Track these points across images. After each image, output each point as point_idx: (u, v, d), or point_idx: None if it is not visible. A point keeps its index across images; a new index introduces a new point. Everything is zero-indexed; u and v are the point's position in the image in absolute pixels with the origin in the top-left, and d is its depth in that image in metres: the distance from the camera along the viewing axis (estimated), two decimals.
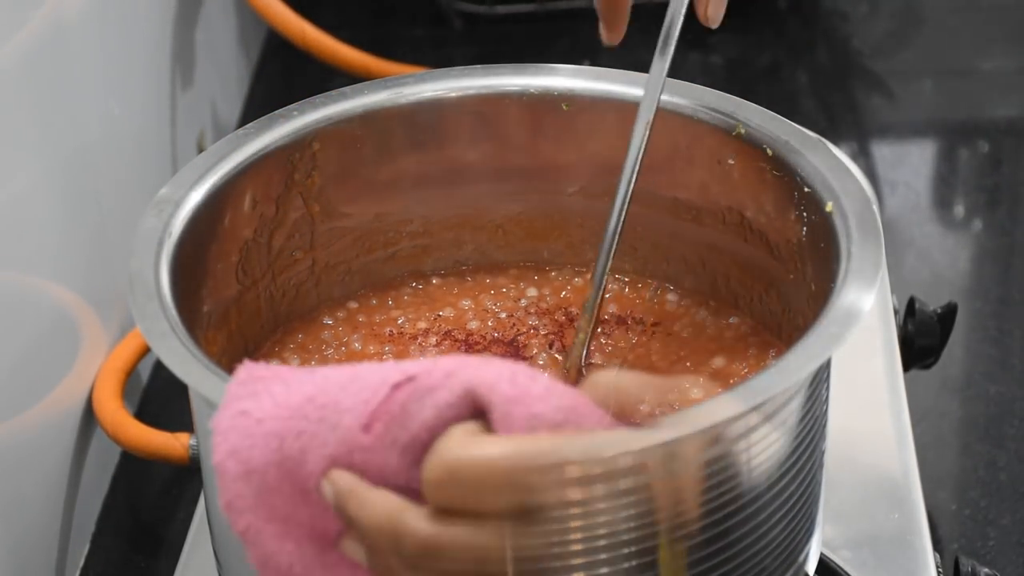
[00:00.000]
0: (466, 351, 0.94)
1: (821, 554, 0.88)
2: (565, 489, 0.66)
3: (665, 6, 0.88)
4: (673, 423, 0.71)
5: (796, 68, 1.53)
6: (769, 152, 0.90)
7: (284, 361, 0.95)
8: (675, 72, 0.96)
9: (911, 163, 1.44)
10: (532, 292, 1.00)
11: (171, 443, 1.01)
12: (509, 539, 0.66)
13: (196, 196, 0.88)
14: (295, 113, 0.94)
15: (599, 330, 0.94)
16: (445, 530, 0.67)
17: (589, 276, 1.01)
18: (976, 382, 1.19)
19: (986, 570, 0.94)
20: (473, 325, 0.96)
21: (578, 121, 0.96)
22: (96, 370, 1.06)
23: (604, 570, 0.71)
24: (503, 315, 0.97)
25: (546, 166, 0.98)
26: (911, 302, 1.09)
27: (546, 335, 0.95)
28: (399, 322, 0.97)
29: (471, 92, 0.96)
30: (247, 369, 0.73)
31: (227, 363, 0.88)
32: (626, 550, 0.72)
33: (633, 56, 1.39)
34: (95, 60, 1.08)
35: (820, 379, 0.83)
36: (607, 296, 0.99)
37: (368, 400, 0.69)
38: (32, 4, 0.98)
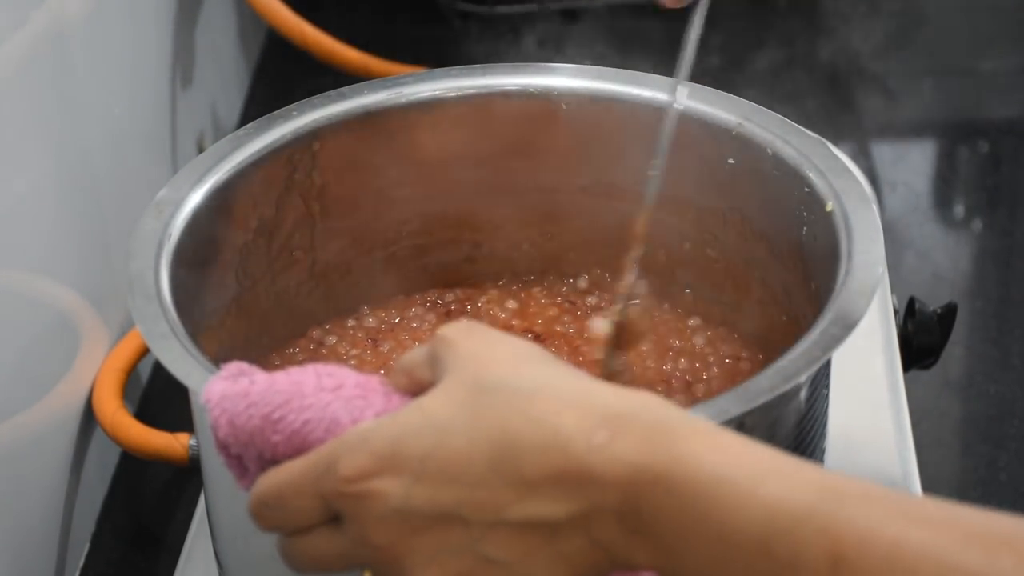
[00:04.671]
0: None
1: None
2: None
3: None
4: None
5: (796, 68, 1.53)
6: (769, 152, 0.90)
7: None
8: (675, 71, 0.96)
9: (911, 163, 1.44)
10: (545, 294, 1.00)
11: (171, 443, 1.01)
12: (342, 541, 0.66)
13: (196, 197, 0.88)
14: (295, 113, 0.94)
15: None
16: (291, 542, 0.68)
17: (594, 276, 1.01)
18: (976, 382, 1.19)
19: None
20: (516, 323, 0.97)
21: (578, 121, 0.96)
22: (96, 370, 1.06)
23: None
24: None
25: (546, 166, 0.98)
26: (911, 302, 1.09)
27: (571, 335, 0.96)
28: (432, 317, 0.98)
29: (471, 92, 0.96)
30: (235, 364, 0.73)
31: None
32: None
33: (633, 56, 1.39)
34: (95, 60, 1.08)
35: (820, 379, 0.83)
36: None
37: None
38: (32, 4, 0.98)
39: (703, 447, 0.60)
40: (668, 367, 0.94)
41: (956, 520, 0.58)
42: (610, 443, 0.61)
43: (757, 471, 0.60)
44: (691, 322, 0.97)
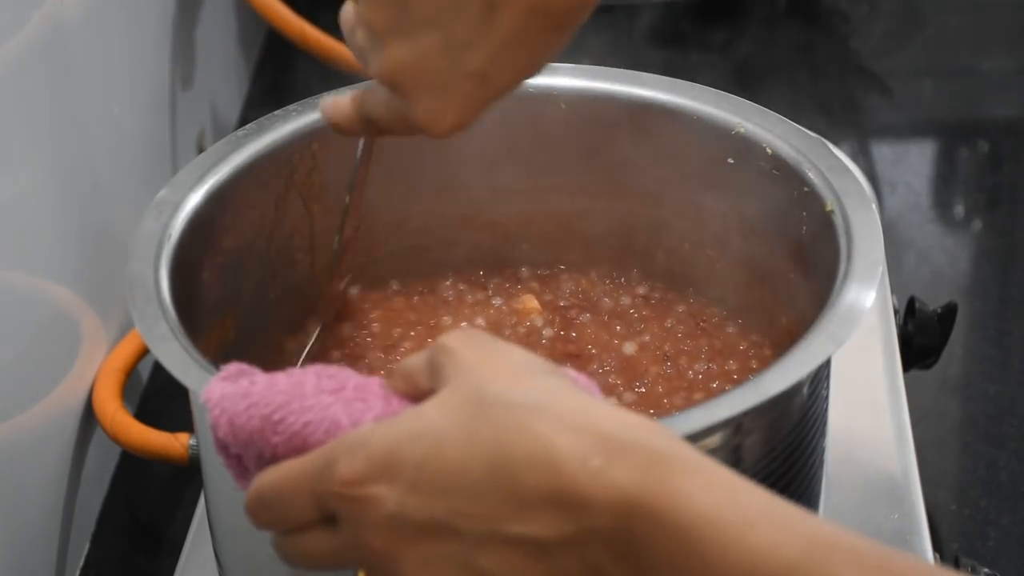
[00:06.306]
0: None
1: None
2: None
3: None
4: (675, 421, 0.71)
5: (796, 68, 1.53)
6: (769, 152, 0.90)
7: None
8: (675, 72, 0.96)
9: (911, 163, 1.44)
10: (541, 291, 1.00)
11: (171, 443, 1.01)
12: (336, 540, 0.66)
13: (196, 197, 0.88)
14: (295, 113, 0.94)
15: None
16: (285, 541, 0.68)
17: (594, 276, 1.01)
18: (976, 382, 1.19)
19: (986, 570, 0.94)
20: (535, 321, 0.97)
21: (578, 120, 0.96)
22: (96, 370, 1.06)
23: None
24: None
25: (546, 165, 0.98)
26: (911, 302, 1.09)
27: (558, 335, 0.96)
28: (444, 319, 0.98)
29: None
30: (235, 365, 0.73)
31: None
32: None
33: (633, 56, 1.39)
34: (95, 60, 1.08)
35: (820, 379, 0.83)
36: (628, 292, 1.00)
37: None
38: (32, 4, 0.98)
39: (697, 484, 0.60)
40: (668, 368, 0.94)
41: None
42: (604, 469, 0.60)
43: (748, 516, 0.59)
44: (691, 322, 0.97)
